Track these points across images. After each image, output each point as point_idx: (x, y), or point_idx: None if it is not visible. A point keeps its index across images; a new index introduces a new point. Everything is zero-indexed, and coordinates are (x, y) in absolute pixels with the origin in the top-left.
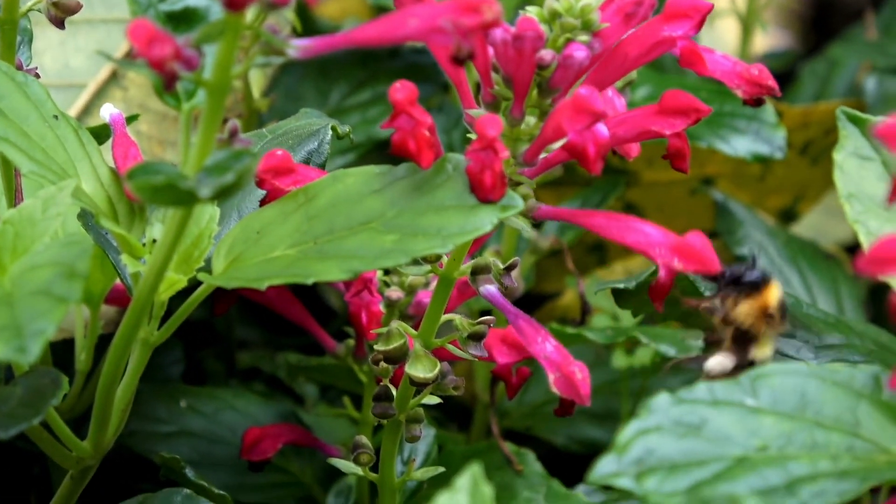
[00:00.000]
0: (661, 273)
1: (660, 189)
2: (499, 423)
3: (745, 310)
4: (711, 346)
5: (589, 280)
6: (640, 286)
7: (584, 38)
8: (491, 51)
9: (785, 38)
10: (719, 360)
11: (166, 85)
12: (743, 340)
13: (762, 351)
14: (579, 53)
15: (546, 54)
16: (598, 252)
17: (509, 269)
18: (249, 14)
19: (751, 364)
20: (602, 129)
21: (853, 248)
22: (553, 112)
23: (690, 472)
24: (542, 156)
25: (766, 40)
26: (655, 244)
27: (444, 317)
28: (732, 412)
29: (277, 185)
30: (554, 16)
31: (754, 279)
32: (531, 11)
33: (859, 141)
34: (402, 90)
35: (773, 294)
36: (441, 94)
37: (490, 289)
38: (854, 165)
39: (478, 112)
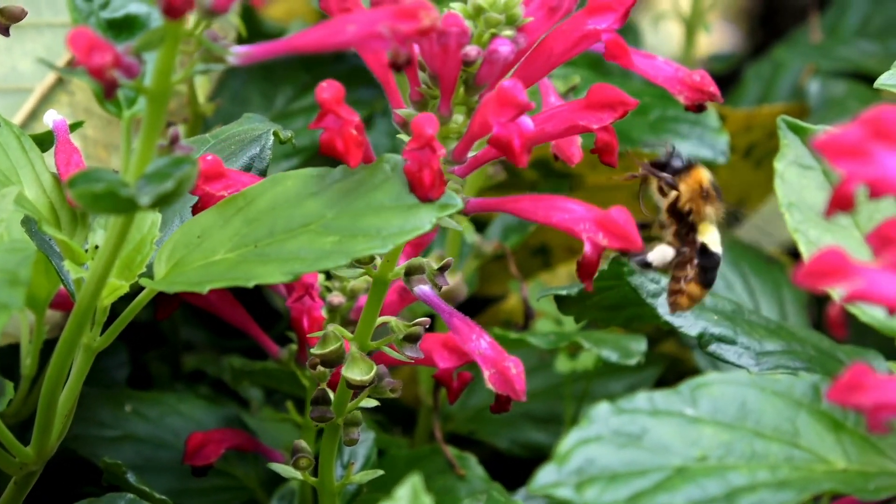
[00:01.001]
0: (588, 249)
1: (604, 192)
2: (442, 426)
3: (682, 191)
4: (650, 242)
5: (533, 284)
6: (581, 292)
7: (508, 32)
8: (417, 48)
9: (732, 33)
10: (661, 251)
11: (106, 93)
12: (686, 228)
13: (708, 234)
14: (504, 48)
15: (471, 50)
16: (542, 255)
17: (443, 269)
18: (191, 21)
19: (703, 249)
20: (527, 121)
21: (796, 250)
22: (479, 106)
23: (630, 482)
24: (471, 154)
25: (714, 36)
26: (580, 220)
27: (381, 319)
28: (672, 422)
29: (209, 190)
30: (478, 11)
31: (682, 162)
32: (455, 7)
33: (800, 150)
34: (328, 89)
35: (704, 173)
36: (385, 99)
37: (424, 289)
38: (795, 174)
39: (406, 111)
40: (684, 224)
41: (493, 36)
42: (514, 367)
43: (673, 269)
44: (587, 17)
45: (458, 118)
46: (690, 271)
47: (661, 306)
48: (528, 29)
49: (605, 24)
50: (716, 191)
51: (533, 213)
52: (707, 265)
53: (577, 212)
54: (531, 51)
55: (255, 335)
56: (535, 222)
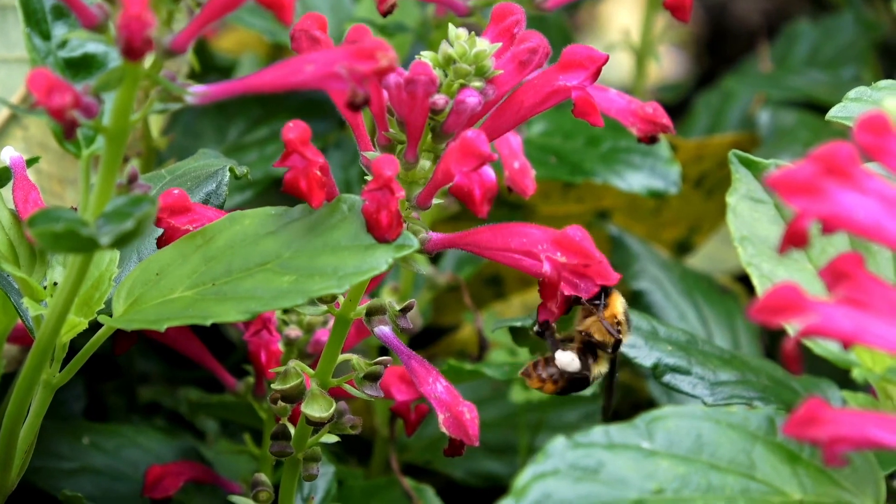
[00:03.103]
0: (546, 267)
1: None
2: (398, 457)
3: (594, 323)
4: (564, 342)
5: (487, 314)
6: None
7: (477, 84)
8: (385, 94)
9: (679, 58)
10: (569, 358)
11: (66, 133)
12: (589, 351)
13: (598, 367)
14: (471, 99)
15: (439, 99)
16: (495, 285)
17: (405, 310)
18: (148, 60)
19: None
20: (489, 172)
21: (748, 276)
22: (443, 155)
23: None
24: (438, 201)
25: (661, 62)
26: (538, 241)
27: (342, 356)
28: (629, 455)
29: (174, 224)
30: (448, 61)
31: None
32: (425, 56)
33: (752, 184)
34: (294, 130)
35: (618, 303)
36: (338, 131)
37: (384, 330)
38: (747, 208)
39: (373, 154)
40: (590, 350)
41: (462, 86)
42: (469, 412)
43: (546, 360)
44: (558, 73)
45: (425, 164)
46: (560, 380)
47: None
48: (498, 81)
49: (575, 80)
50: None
51: (492, 243)
52: (574, 382)
53: (534, 235)
54: (501, 103)
55: (212, 368)
56: (496, 251)
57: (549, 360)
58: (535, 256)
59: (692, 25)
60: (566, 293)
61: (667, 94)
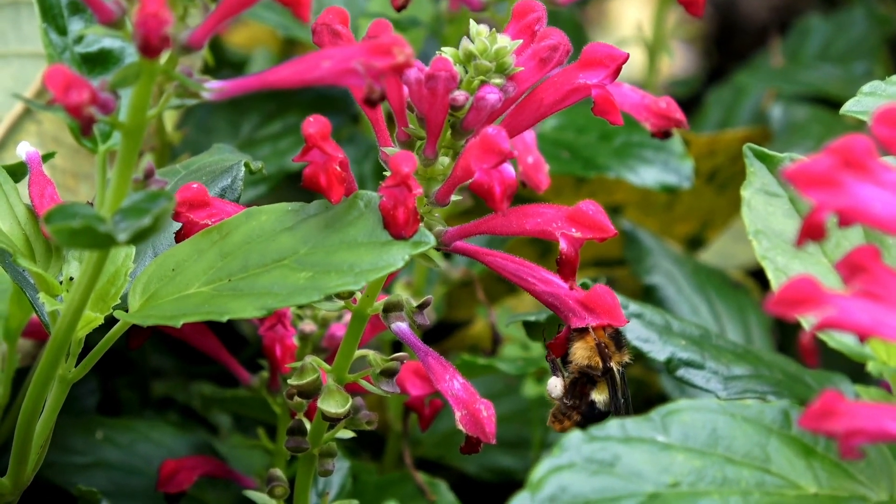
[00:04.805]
0: (563, 245)
1: None
2: (411, 451)
3: (579, 349)
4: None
5: (499, 309)
6: (550, 318)
7: (498, 80)
8: (406, 90)
9: (688, 54)
10: (555, 384)
11: (84, 130)
12: (585, 379)
13: (599, 394)
14: (492, 96)
15: (460, 95)
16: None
17: (422, 307)
18: (163, 56)
19: (591, 405)
20: (509, 169)
21: (760, 272)
22: (462, 152)
23: None
24: (456, 198)
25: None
26: (552, 220)
27: (358, 352)
28: (644, 449)
29: (192, 217)
30: (469, 57)
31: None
32: (446, 52)
33: (766, 177)
34: (314, 124)
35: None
36: (351, 125)
37: (401, 326)
38: (761, 202)
39: (392, 150)
40: (586, 378)
41: (483, 83)
42: (486, 409)
43: (561, 404)
44: (578, 71)
45: (444, 160)
46: (576, 416)
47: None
48: (519, 78)
49: (595, 79)
50: (616, 339)
51: (507, 226)
52: (590, 417)
53: (548, 213)
54: (521, 100)
55: (226, 363)
56: (511, 235)
57: (566, 411)
58: (550, 235)
59: (701, 20)
60: (572, 325)
61: (678, 89)
